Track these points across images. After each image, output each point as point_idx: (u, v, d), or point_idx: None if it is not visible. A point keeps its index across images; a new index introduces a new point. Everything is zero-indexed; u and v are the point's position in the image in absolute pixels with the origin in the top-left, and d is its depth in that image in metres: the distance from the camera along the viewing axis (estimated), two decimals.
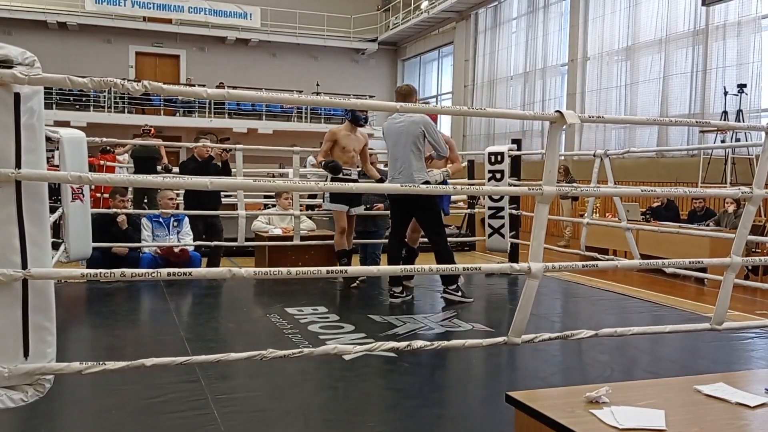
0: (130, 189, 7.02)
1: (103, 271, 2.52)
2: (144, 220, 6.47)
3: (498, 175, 6.86)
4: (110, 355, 3.59)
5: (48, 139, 4.38)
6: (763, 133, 3.51)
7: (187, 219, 6.62)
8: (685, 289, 7.30)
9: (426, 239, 5.52)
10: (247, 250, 7.62)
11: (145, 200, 9.37)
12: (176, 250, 6.34)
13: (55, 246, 4.68)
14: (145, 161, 9.34)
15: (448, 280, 5.41)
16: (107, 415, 2.89)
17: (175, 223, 6.45)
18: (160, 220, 6.39)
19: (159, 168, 9.28)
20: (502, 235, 6.95)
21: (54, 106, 17.20)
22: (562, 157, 11.43)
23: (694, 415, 1.94)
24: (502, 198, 6.92)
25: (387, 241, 5.95)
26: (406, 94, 5.33)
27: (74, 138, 5.07)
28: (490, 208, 7.04)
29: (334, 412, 3.02)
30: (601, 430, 1.79)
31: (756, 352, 4.22)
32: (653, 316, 5.24)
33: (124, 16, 19.59)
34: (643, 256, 6.73)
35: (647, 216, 9.53)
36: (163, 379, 3.19)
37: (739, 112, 10.08)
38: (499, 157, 6.87)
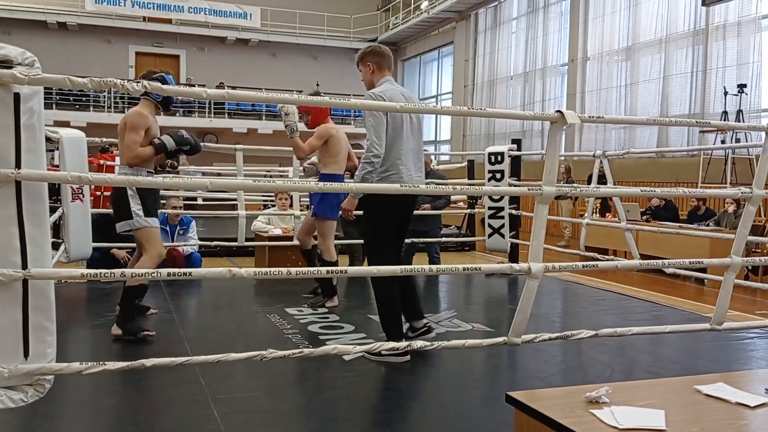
0: None
1: (103, 271, 2.52)
2: None
3: (498, 175, 6.86)
4: (110, 355, 3.60)
5: (48, 139, 4.39)
6: (763, 133, 3.51)
7: (194, 223, 6.61)
8: (685, 289, 7.30)
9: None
10: (247, 250, 7.62)
11: None
12: (182, 250, 6.37)
13: (55, 246, 4.68)
14: None
15: (387, 332, 3.73)
16: (107, 415, 2.89)
17: (181, 231, 6.44)
18: (167, 228, 6.38)
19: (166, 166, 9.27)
20: (502, 235, 6.95)
21: (54, 106, 17.21)
22: (562, 158, 11.43)
23: (694, 415, 1.94)
24: (502, 198, 6.92)
25: (442, 239, 5.76)
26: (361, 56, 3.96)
27: (74, 138, 5.07)
28: (490, 208, 7.04)
29: (334, 412, 3.01)
30: (601, 430, 1.79)
31: (756, 352, 4.22)
32: (653, 316, 5.24)
33: (124, 16, 19.61)
34: (643, 256, 6.73)
35: (647, 216, 9.53)
36: (163, 379, 3.18)
37: (739, 112, 10.09)
38: (499, 157, 6.87)
